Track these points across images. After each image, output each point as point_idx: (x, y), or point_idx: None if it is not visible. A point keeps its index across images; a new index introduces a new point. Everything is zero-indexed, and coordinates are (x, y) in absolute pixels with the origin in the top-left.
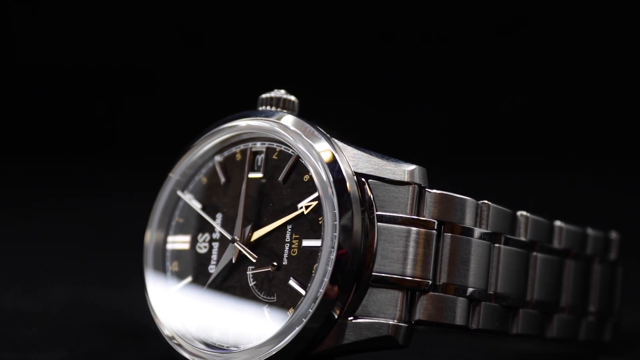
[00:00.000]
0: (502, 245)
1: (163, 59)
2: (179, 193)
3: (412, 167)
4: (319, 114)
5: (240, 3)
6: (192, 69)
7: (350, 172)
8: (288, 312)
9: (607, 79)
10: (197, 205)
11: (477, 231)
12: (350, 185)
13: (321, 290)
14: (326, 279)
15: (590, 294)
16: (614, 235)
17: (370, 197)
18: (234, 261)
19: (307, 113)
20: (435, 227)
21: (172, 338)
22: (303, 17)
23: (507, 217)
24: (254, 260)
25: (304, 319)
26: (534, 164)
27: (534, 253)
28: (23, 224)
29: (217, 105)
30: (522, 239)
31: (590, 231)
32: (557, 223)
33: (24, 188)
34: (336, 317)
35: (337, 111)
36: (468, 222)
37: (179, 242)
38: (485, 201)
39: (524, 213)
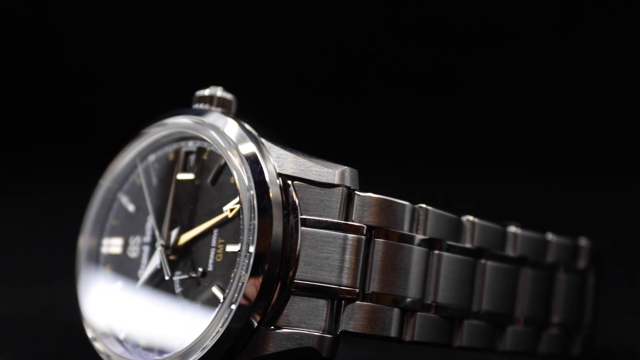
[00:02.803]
0: (442, 252)
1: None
2: (118, 195)
3: (341, 168)
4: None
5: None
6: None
7: (275, 174)
8: (209, 320)
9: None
10: (131, 208)
11: (413, 237)
12: (272, 187)
13: (236, 295)
14: (242, 285)
15: (554, 305)
16: (583, 242)
17: (294, 200)
18: (159, 267)
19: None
20: (365, 233)
21: (95, 339)
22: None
23: (450, 222)
24: (167, 278)
25: (220, 327)
26: (520, 168)
27: (482, 261)
28: (11, 221)
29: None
30: (468, 245)
31: (551, 237)
32: (511, 229)
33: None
34: (256, 325)
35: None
36: (402, 227)
37: (113, 245)
38: (423, 205)
39: (471, 218)
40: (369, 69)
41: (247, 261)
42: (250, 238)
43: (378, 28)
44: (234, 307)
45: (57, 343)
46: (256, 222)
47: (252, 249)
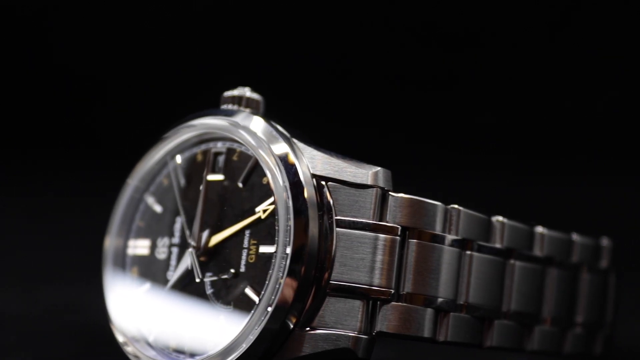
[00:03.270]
0: (474, 253)
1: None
2: (145, 196)
3: (375, 169)
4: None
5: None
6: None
7: (309, 175)
8: (243, 321)
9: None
10: (157, 209)
11: (445, 237)
12: (307, 188)
13: (273, 298)
14: (279, 287)
15: (578, 305)
16: (605, 242)
17: (329, 201)
18: (189, 268)
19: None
20: (399, 233)
21: (125, 344)
22: (304, 15)
23: (480, 222)
24: (198, 280)
25: (256, 329)
26: (530, 168)
27: (511, 261)
28: (21, 223)
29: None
30: (498, 245)
31: (576, 237)
32: (539, 229)
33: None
34: (291, 327)
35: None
36: (435, 227)
37: (139, 246)
38: (455, 206)
39: (500, 218)
40: (369, 69)
41: (283, 262)
42: (287, 239)
43: (378, 28)
44: (270, 309)
45: (72, 344)
46: (292, 223)
47: (288, 250)
